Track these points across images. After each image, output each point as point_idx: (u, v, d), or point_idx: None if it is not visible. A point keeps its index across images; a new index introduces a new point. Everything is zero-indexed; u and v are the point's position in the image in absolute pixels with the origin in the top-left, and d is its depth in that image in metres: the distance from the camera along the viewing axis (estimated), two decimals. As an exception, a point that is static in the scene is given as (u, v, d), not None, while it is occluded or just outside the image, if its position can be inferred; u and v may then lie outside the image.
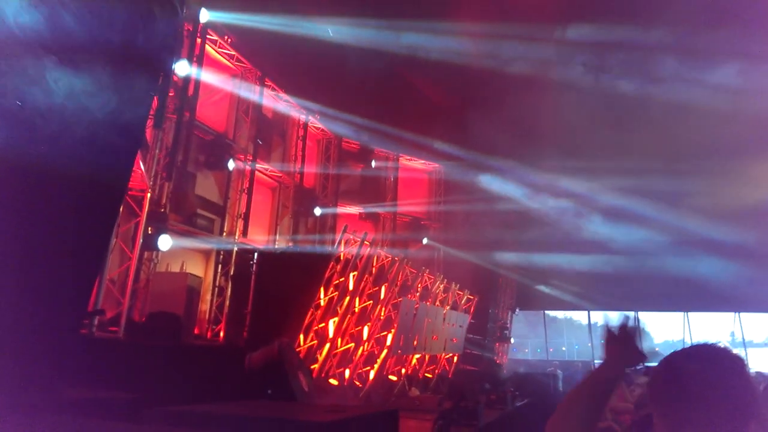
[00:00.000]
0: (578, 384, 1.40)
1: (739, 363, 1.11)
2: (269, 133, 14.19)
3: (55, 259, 3.91)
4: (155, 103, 8.44)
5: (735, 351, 1.16)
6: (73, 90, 3.97)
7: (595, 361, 18.72)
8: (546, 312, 21.71)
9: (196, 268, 11.19)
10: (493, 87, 14.94)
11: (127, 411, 3.08)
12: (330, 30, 12.53)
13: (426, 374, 11.03)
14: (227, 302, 11.12)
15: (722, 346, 1.15)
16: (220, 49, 12.34)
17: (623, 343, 1.43)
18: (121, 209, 7.90)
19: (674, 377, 1.12)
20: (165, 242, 8.79)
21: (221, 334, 10.54)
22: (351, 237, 8.21)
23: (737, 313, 19.38)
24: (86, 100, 4.07)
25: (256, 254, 9.12)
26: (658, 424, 1.11)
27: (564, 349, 29.16)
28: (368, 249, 8.38)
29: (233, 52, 12.54)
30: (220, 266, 11.68)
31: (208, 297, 11.22)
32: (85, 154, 4.14)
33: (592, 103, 14.63)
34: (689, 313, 19.78)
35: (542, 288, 18.50)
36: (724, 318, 19.81)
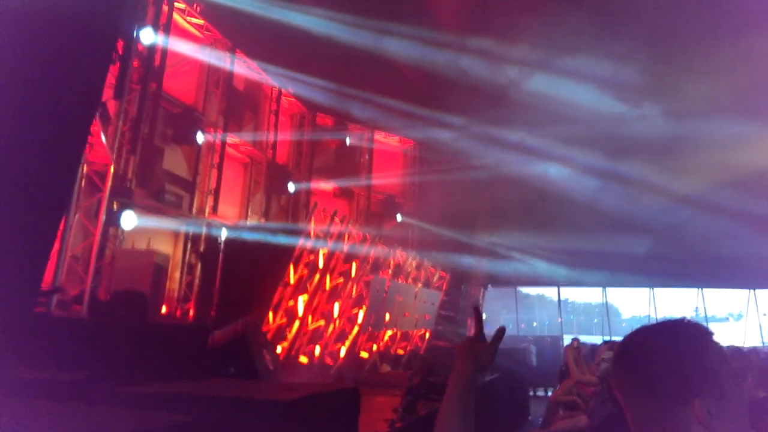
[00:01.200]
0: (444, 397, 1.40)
1: (699, 340, 1.09)
2: (241, 107, 13.81)
3: (3, 234, 3.70)
4: (116, 72, 8.09)
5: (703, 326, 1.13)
6: (20, 53, 3.70)
7: (564, 336, 19.16)
8: (519, 288, 22.05)
9: (163, 244, 10.94)
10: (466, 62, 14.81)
11: (77, 391, 2.97)
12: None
13: (398, 351, 11.09)
14: (197, 280, 10.94)
15: (691, 320, 1.14)
16: (188, 17, 11.87)
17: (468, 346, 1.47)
18: (78, 182, 7.60)
19: (631, 353, 1.14)
20: (129, 219, 8.52)
21: (191, 312, 10.38)
22: (322, 214, 8.10)
23: (700, 289, 20.02)
24: (34, 66, 3.81)
25: (224, 230, 8.93)
26: (621, 400, 1.13)
27: (535, 324, 29.85)
28: (339, 226, 8.28)
29: (202, 21, 12.09)
30: (189, 243, 11.44)
31: (177, 275, 11.02)
32: (35, 122, 3.91)
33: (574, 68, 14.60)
34: (654, 289, 20.35)
35: (514, 263, 18.70)
36: (689, 294, 20.44)
